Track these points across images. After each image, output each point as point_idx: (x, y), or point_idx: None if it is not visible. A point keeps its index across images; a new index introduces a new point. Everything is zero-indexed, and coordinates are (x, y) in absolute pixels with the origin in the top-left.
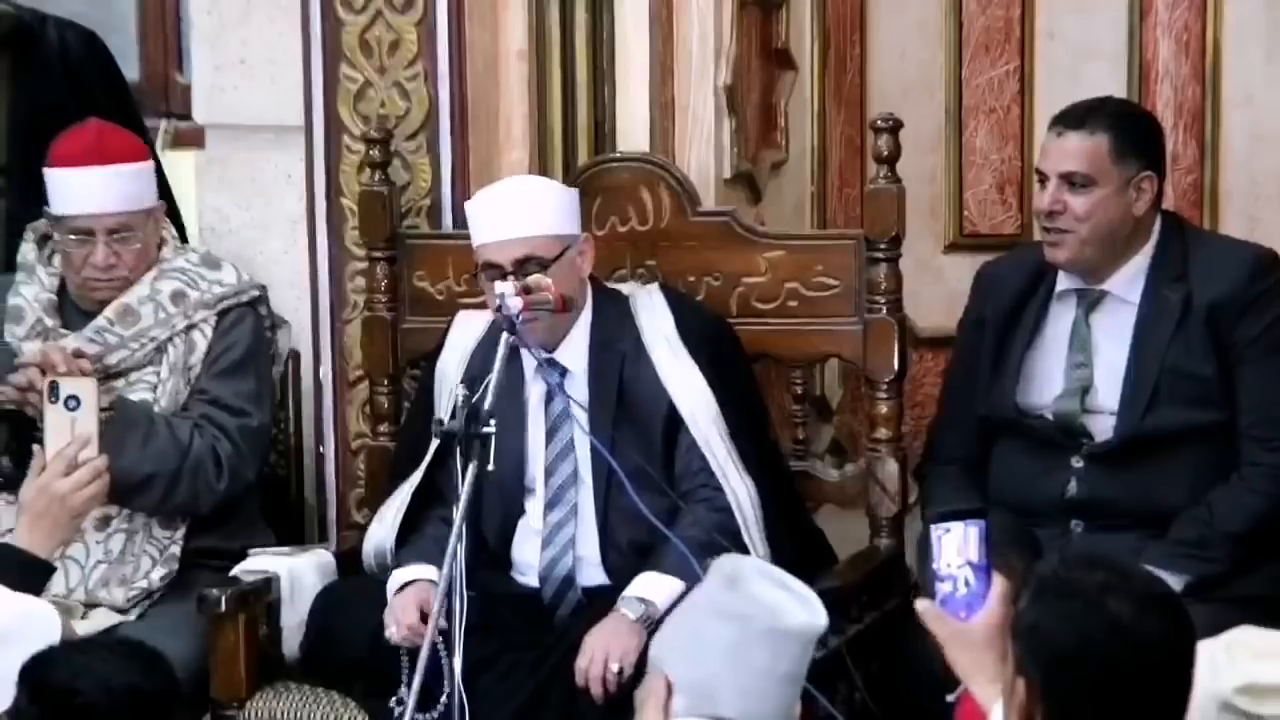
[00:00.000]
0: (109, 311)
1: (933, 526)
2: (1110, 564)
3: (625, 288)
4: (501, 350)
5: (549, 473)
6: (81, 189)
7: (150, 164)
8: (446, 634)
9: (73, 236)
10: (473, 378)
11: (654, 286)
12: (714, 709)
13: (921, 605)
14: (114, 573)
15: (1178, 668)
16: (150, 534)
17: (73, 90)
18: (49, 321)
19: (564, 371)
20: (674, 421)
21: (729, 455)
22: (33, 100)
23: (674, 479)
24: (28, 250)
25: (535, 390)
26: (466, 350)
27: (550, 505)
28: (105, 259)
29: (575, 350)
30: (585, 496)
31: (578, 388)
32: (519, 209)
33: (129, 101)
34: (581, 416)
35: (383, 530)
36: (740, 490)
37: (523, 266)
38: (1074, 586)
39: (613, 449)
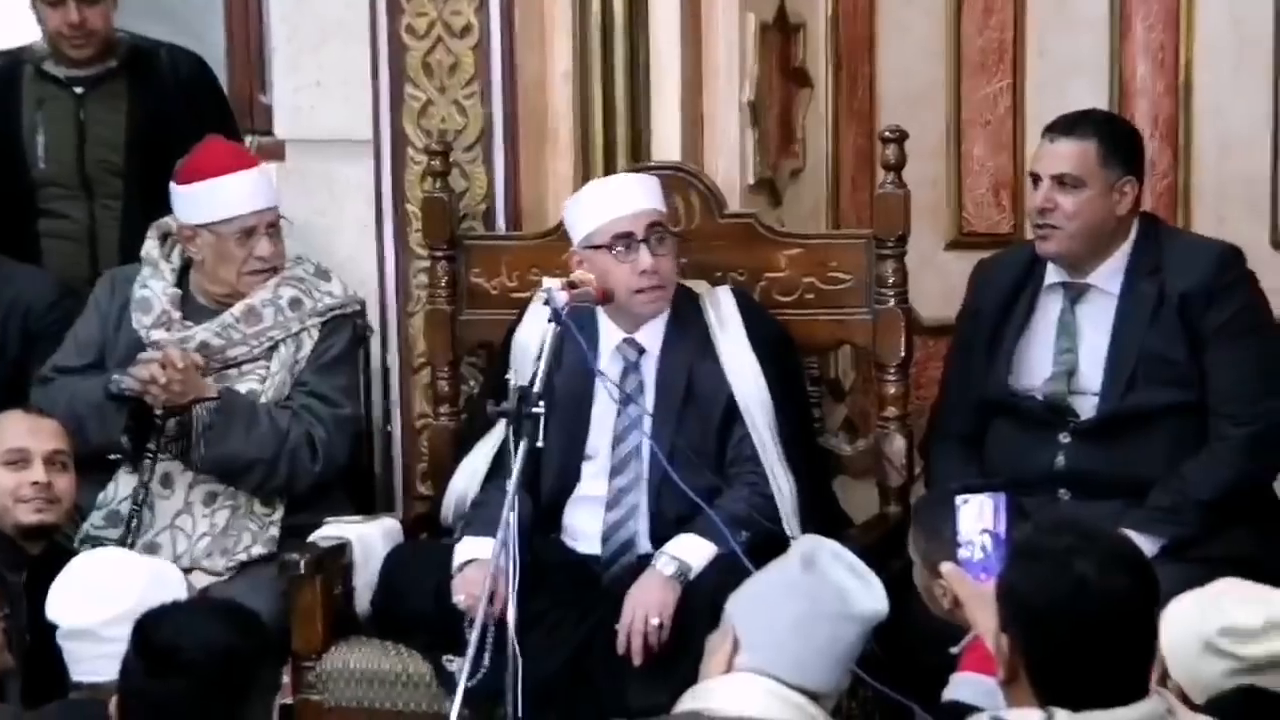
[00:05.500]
0: (236, 310)
1: (956, 497)
2: (1078, 528)
3: (696, 286)
4: (550, 341)
5: (618, 440)
6: (238, 192)
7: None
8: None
9: (235, 236)
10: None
11: (726, 288)
12: (774, 670)
13: (946, 567)
14: (217, 545)
15: (1142, 620)
16: (251, 510)
17: (186, 106)
18: (174, 314)
19: (641, 350)
20: (731, 412)
21: (777, 454)
22: (151, 114)
23: (724, 463)
24: (151, 247)
25: (611, 368)
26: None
27: (615, 471)
28: (270, 251)
29: (654, 334)
30: (644, 470)
31: (650, 368)
32: (643, 187)
33: (230, 117)
34: (649, 396)
35: (463, 482)
36: (784, 486)
37: (654, 231)
38: (1044, 550)
39: (677, 428)
